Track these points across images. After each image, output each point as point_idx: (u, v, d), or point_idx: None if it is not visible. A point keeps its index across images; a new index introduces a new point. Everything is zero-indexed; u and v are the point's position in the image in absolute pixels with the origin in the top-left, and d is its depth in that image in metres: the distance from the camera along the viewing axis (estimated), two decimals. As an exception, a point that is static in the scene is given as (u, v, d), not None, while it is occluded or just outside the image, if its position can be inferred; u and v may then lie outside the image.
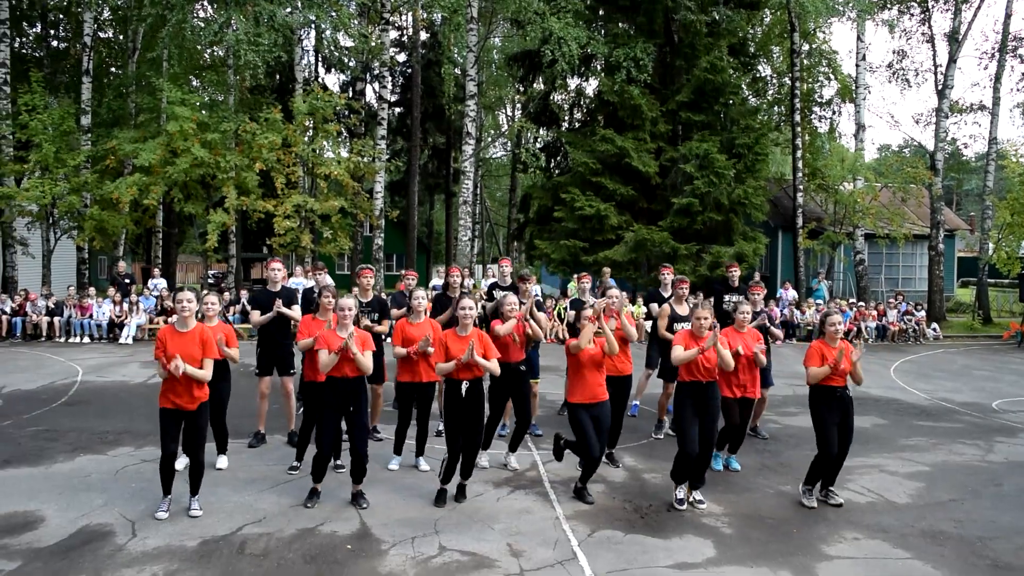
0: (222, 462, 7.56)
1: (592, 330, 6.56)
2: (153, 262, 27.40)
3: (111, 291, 18.65)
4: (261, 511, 6.38)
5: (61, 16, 27.80)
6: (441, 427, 8.81)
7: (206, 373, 6.09)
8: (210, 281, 28.25)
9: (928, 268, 25.38)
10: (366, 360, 6.32)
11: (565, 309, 9.43)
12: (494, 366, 6.58)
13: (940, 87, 24.57)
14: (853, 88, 25.49)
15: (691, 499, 6.72)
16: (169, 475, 6.20)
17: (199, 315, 7.09)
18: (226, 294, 20.15)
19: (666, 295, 9.28)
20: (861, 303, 21.50)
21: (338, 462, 7.45)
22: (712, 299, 9.88)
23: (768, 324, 8.70)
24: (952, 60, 24.32)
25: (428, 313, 7.77)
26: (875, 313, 20.49)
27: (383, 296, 8.79)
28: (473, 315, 6.64)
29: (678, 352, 6.64)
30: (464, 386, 6.54)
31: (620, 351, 7.33)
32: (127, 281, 19.47)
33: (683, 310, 8.70)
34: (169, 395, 6.04)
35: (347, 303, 6.38)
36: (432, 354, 6.88)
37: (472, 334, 6.58)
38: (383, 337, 8.29)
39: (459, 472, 6.71)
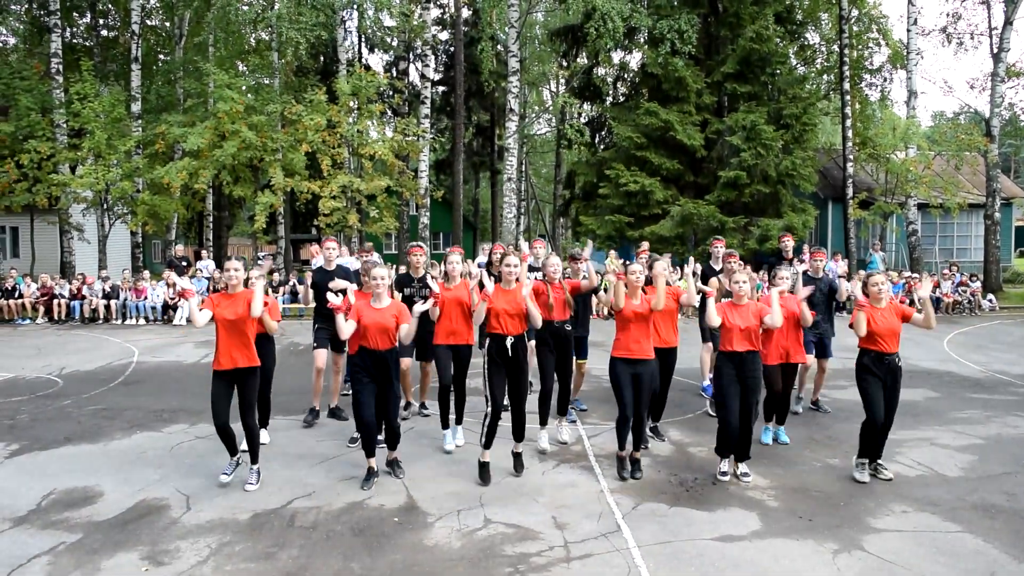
0: (263, 437, 7.61)
1: (621, 288, 6.58)
2: (205, 245, 27.93)
3: (166, 274, 19.07)
4: (311, 485, 6.51)
5: (110, 5, 28.32)
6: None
7: (257, 309, 6.27)
8: (260, 263, 28.73)
9: (984, 238, 24.74)
10: (405, 331, 6.45)
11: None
12: (536, 316, 6.59)
13: (996, 50, 23.80)
14: (904, 54, 24.82)
15: (736, 472, 6.68)
16: (229, 438, 6.39)
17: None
18: (275, 275, 20.51)
19: (717, 268, 9.19)
20: (914, 274, 21.04)
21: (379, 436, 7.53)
22: (764, 271, 9.75)
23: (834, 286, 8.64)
24: (1008, 22, 23.52)
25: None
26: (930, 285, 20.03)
27: (433, 273, 8.85)
28: (518, 271, 6.65)
29: (710, 315, 6.60)
30: (509, 341, 6.53)
31: (667, 324, 7.41)
32: (183, 264, 19.89)
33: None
34: (220, 357, 6.27)
35: (380, 273, 6.44)
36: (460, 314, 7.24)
37: (518, 287, 6.61)
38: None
39: (512, 435, 6.77)
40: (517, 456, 6.86)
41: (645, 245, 19.20)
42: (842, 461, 7.20)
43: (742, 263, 9.10)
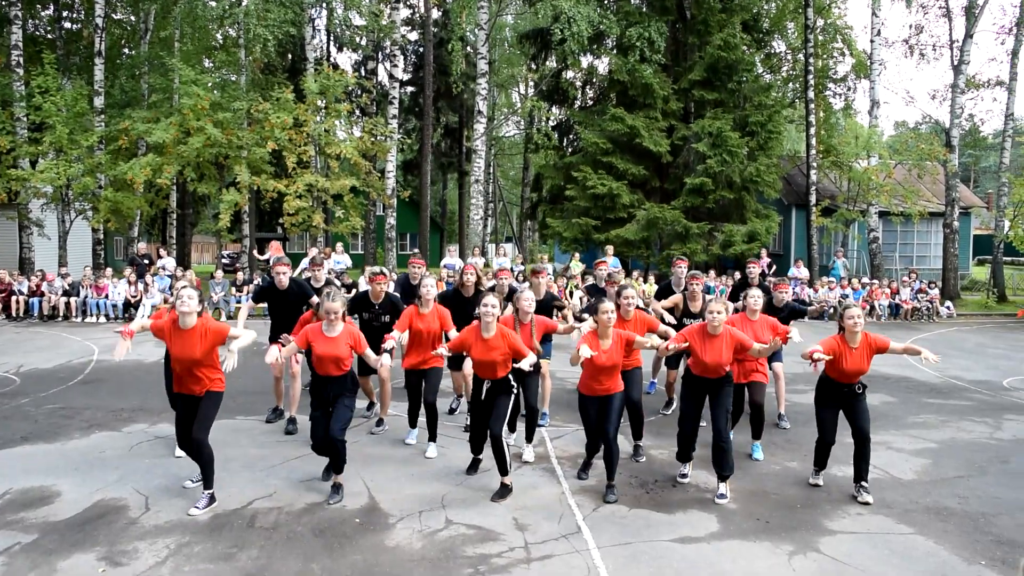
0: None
1: (585, 349, 6.18)
2: (168, 243, 27.60)
3: (127, 271, 18.82)
4: (271, 486, 6.49)
5: (73, -3, 27.86)
6: (453, 404, 9.26)
7: (243, 340, 5.98)
8: (224, 261, 28.43)
9: (943, 246, 25.22)
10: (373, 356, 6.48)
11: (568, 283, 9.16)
12: (530, 359, 6.37)
13: (956, 62, 24.28)
14: (868, 64, 25.24)
15: (717, 493, 6.37)
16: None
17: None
18: (239, 274, 20.33)
19: (679, 290, 9.21)
20: (874, 281, 21.39)
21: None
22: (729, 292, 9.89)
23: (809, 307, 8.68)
24: (968, 35, 24.01)
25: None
26: (888, 291, 20.39)
27: (394, 294, 8.71)
28: (496, 313, 6.41)
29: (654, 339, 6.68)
30: (486, 385, 6.50)
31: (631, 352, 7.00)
32: (145, 262, 19.64)
33: (695, 307, 8.64)
34: (176, 380, 6.03)
35: (333, 307, 6.18)
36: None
37: (496, 335, 6.38)
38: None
39: (496, 465, 6.48)
40: (503, 486, 6.42)
41: (610, 250, 19.35)
42: (800, 464, 7.31)
43: (710, 273, 9.17)
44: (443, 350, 6.60)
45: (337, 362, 6.26)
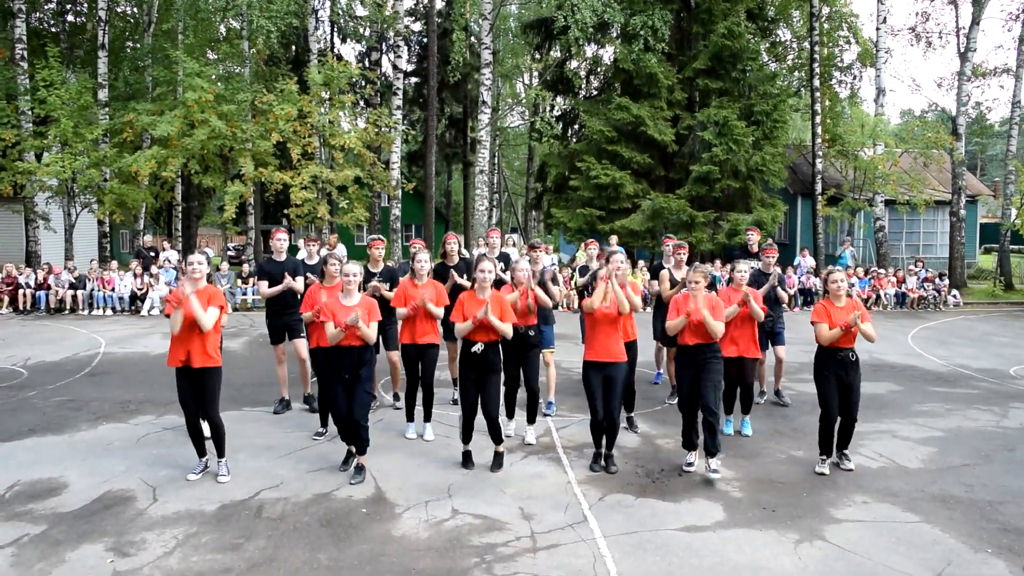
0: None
1: (603, 288, 6.54)
2: (173, 235, 27.63)
3: (133, 264, 18.85)
4: (278, 476, 6.51)
5: (77, -10, 27.84)
6: (456, 395, 9.13)
7: (207, 319, 6.07)
8: (230, 253, 28.48)
9: (949, 234, 25.12)
10: (370, 332, 6.36)
11: (574, 273, 9.24)
12: (507, 329, 6.56)
13: (963, 50, 24.14)
14: (874, 52, 25.08)
15: (707, 467, 6.50)
16: (198, 436, 6.47)
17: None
18: (245, 266, 20.36)
19: (668, 265, 9.27)
20: (882, 270, 21.31)
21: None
22: (729, 264, 9.90)
23: (776, 285, 8.74)
24: (975, 22, 23.87)
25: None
26: (894, 280, 20.33)
27: (393, 266, 8.85)
28: (492, 277, 6.64)
29: (671, 328, 6.69)
30: (478, 348, 6.53)
31: (624, 318, 7.13)
32: (151, 254, 19.67)
33: (679, 275, 8.74)
34: (176, 352, 6.15)
35: (352, 269, 6.42)
36: (433, 313, 7.28)
37: (491, 295, 6.60)
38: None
39: (491, 438, 6.77)
40: (498, 456, 6.80)
41: (614, 239, 19.34)
42: (806, 453, 7.31)
43: (716, 262, 9.19)
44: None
45: (355, 330, 6.31)
